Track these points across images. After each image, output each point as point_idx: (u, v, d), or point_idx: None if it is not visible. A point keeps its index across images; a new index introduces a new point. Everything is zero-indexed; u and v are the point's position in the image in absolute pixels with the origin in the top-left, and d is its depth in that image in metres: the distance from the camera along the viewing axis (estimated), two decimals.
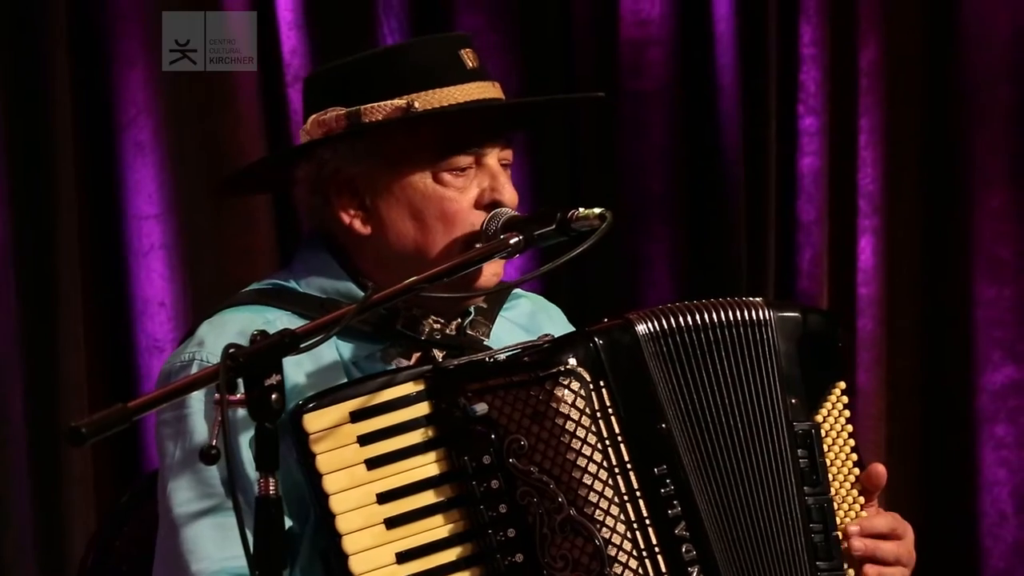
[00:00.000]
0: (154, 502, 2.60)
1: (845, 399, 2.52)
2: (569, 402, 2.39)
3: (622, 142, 4.42)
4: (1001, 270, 4.60)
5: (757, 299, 2.51)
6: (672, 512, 2.41)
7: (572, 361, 2.40)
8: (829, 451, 2.49)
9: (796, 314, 2.52)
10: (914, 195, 4.64)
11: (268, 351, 2.16)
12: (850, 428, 2.51)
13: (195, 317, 3.93)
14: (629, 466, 2.41)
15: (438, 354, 2.57)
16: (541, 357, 2.41)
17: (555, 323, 2.82)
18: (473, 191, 2.56)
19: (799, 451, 2.47)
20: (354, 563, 2.33)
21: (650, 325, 2.46)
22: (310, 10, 4.20)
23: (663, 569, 2.40)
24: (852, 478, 2.51)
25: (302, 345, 2.21)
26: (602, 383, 2.41)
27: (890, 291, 4.61)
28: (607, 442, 2.40)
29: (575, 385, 2.40)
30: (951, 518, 4.64)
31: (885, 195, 4.58)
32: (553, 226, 2.48)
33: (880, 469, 2.52)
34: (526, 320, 2.78)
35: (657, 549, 2.40)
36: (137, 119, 4.05)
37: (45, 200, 3.92)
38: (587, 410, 2.40)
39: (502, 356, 2.43)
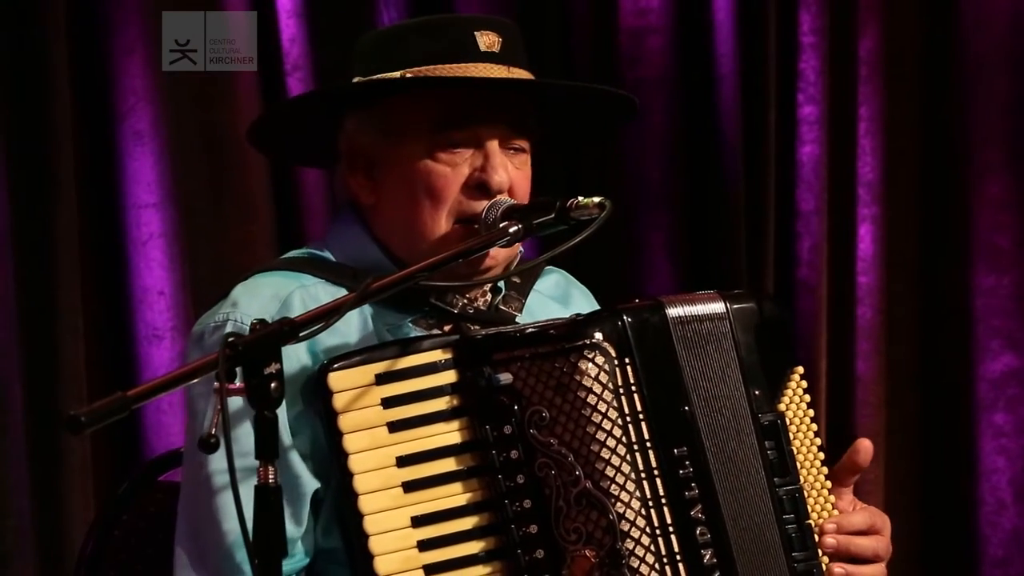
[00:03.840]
0: (153, 491, 2.60)
1: (804, 384, 2.52)
2: (592, 375, 2.40)
3: (622, 130, 4.41)
4: (1000, 259, 4.60)
5: (710, 291, 2.52)
6: (689, 494, 2.42)
7: (598, 335, 2.41)
8: (795, 439, 2.50)
9: (752, 304, 2.52)
10: (913, 184, 4.63)
11: (267, 339, 2.15)
12: (811, 413, 2.52)
13: (194, 306, 3.95)
14: (648, 444, 2.41)
15: (471, 327, 2.55)
16: (568, 330, 2.42)
17: (586, 298, 2.84)
18: (464, 170, 2.56)
19: (767, 443, 2.47)
20: (369, 523, 2.34)
21: (681, 310, 2.47)
22: None
23: (675, 549, 2.40)
24: (818, 463, 2.51)
25: (301, 334, 2.20)
26: (627, 360, 2.42)
27: (889, 280, 4.61)
28: (628, 419, 2.41)
29: (600, 359, 2.41)
30: (950, 506, 4.65)
31: (884, 184, 4.58)
32: (553, 215, 2.48)
33: (867, 444, 2.52)
34: (560, 292, 2.79)
35: (671, 528, 2.40)
36: (136, 108, 4.04)
37: (44, 189, 3.91)
38: (610, 385, 2.40)
39: (530, 329, 2.43)
